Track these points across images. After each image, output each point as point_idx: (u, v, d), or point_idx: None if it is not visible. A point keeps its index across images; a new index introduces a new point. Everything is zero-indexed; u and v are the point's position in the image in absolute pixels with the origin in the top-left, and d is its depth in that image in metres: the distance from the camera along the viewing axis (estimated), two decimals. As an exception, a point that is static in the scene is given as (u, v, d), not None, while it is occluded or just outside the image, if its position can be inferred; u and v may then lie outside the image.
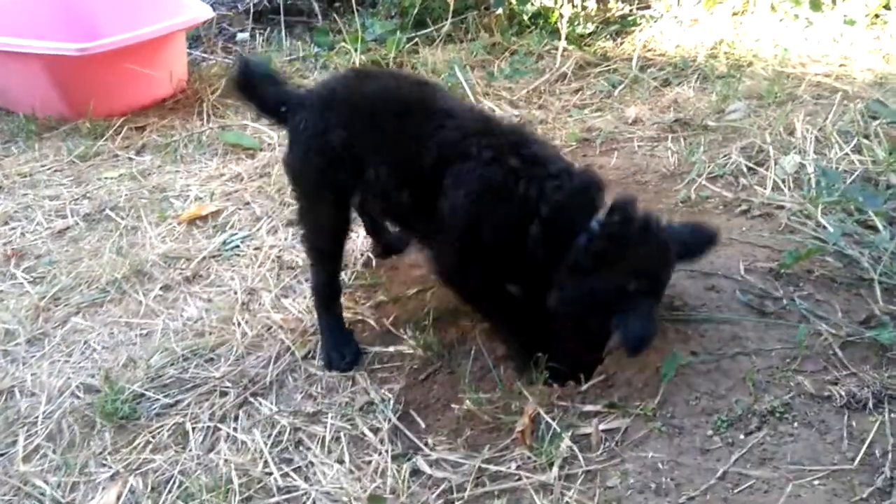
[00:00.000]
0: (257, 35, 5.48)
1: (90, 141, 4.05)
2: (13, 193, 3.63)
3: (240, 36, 5.54)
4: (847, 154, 3.29)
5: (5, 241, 3.25)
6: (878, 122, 3.51)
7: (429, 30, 5.24)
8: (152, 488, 2.12)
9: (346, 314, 2.73)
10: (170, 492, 2.10)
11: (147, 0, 4.73)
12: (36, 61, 4.09)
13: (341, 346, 2.57)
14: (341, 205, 2.55)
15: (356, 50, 4.85)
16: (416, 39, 5.16)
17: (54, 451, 2.26)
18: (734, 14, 5.05)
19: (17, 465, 2.22)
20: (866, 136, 3.40)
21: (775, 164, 3.30)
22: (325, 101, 2.48)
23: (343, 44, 5.06)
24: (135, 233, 3.28)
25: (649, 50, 4.84)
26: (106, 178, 3.71)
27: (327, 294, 2.64)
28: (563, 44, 4.81)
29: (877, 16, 4.79)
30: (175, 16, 4.42)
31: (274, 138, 4.00)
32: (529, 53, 4.87)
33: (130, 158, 3.92)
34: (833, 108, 3.69)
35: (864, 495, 1.89)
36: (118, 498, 2.08)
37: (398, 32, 5.14)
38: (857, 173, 3.16)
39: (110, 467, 2.19)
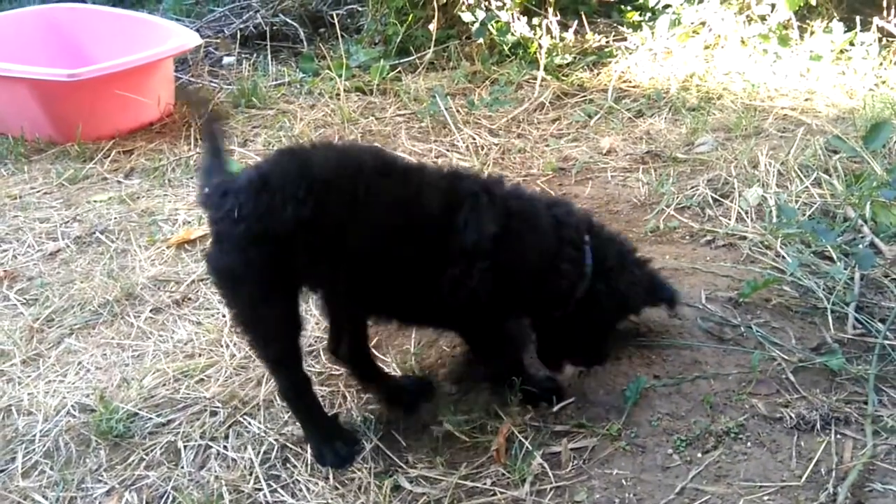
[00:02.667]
0: (243, 60, 5.63)
1: (79, 164, 4.18)
2: (4, 215, 3.75)
3: (226, 60, 5.69)
4: (807, 188, 3.50)
5: (-3, 264, 3.38)
6: (837, 156, 3.73)
7: (412, 58, 5.43)
8: (147, 503, 2.26)
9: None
10: (163, 506, 2.25)
11: (135, 26, 4.90)
12: (26, 85, 4.22)
13: (332, 440, 2.39)
14: (292, 303, 2.26)
15: (340, 76, 5.00)
16: (399, 67, 5.35)
17: (52, 468, 2.38)
18: (706, 47, 5.27)
19: (16, 480, 2.35)
20: (826, 171, 3.62)
21: (739, 196, 3.52)
22: (262, 181, 2.12)
23: (328, 70, 5.21)
24: (125, 256, 3.41)
25: (624, 81, 5.05)
26: (95, 201, 3.83)
27: (298, 394, 2.38)
28: (541, 74, 5.02)
29: (842, 51, 5.03)
30: (163, 42, 4.58)
31: (260, 163, 4.13)
32: (509, 83, 5.07)
33: (119, 182, 4.05)
34: (796, 142, 3.90)
35: (809, 509, 2.06)
36: (114, 512, 2.22)
37: (382, 60, 5.33)
38: (815, 206, 3.38)
39: (106, 483, 2.32)
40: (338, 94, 4.86)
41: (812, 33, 5.14)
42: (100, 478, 2.34)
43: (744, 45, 5.21)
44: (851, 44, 5.02)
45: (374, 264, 2.22)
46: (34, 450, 2.45)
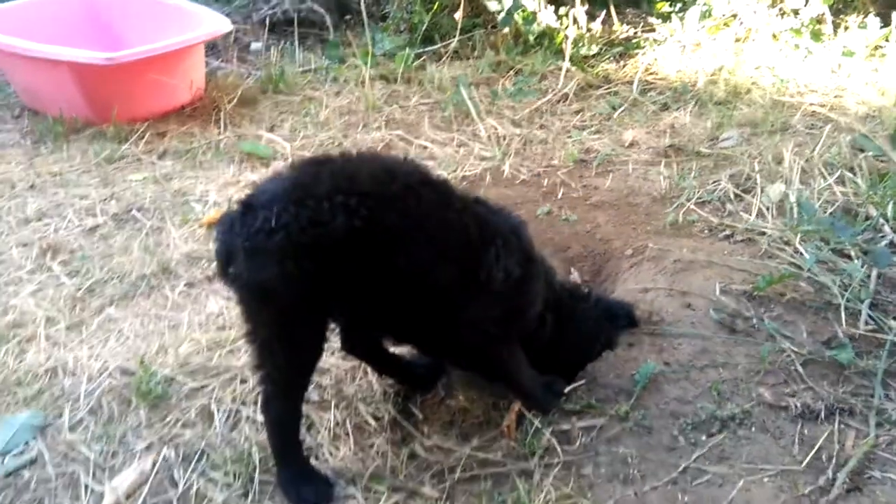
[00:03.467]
0: (271, 46, 5.88)
1: (115, 144, 4.43)
2: (45, 191, 4.01)
3: (254, 46, 5.93)
4: (830, 185, 3.65)
5: (40, 236, 3.63)
6: (863, 154, 3.88)
7: (436, 46, 5.63)
8: (183, 458, 2.50)
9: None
10: (198, 461, 2.48)
11: (169, 11, 5.15)
12: (65, 67, 4.46)
13: (308, 481, 2.39)
14: (322, 325, 2.27)
15: (366, 64, 5.21)
16: (424, 55, 5.56)
17: (96, 424, 2.64)
18: (737, 40, 5.43)
19: (64, 433, 2.60)
20: (851, 169, 3.77)
21: (761, 192, 3.67)
22: (302, 190, 2.07)
23: (353, 58, 5.45)
24: (159, 233, 3.66)
25: (651, 73, 5.24)
26: (131, 180, 4.09)
27: (290, 426, 2.38)
28: (566, 64, 5.20)
29: (877, 48, 5.16)
30: (196, 28, 4.82)
31: (287, 149, 4.40)
32: (533, 73, 5.26)
33: (153, 163, 4.30)
34: (822, 139, 4.06)
35: (806, 492, 2.26)
36: (153, 465, 2.46)
37: (407, 48, 5.54)
38: (838, 204, 3.52)
39: (146, 439, 2.57)
40: (363, 82, 5.06)
41: (846, 28, 5.29)
42: (140, 434, 2.59)
43: (775, 39, 5.37)
44: (886, 40, 5.16)
45: (414, 285, 2.22)
46: (79, 407, 2.70)
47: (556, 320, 2.66)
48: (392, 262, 2.13)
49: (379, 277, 2.16)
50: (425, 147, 4.45)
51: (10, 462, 2.53)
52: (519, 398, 2.62)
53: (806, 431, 2.46)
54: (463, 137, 4.51)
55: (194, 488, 2.40)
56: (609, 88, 5.08)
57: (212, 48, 5.78)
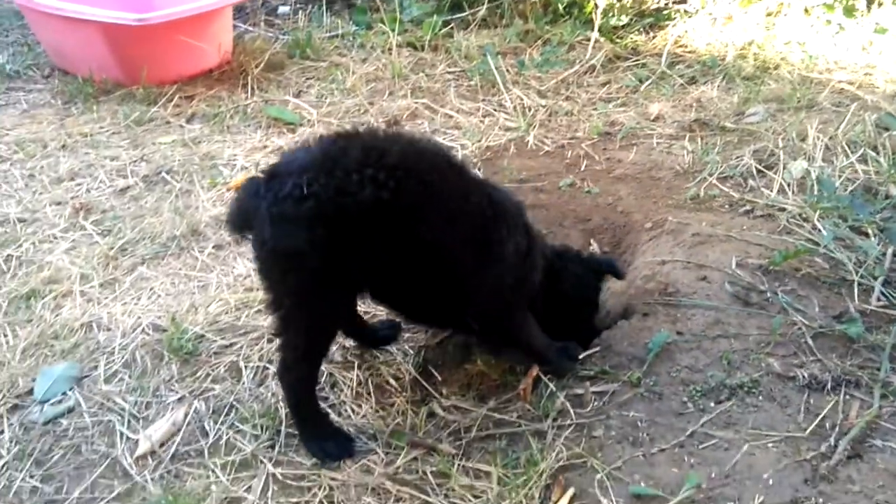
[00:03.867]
0: (299, 10, 5.97)
1: (144, 107, 4.61)
2: (76, 152, 4.20)
3: (281, 9, 6.05)
4: (852, 163, 3.73)
5: (73, 196, 3.83)
6: (887, 133, 3.95)
7: (464, 13, 5.70)
8: (213, 411, 2.69)
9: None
10: (227, 414, 2.67)
11: (198, -27, 5.27)
12: (95, 28, 4.61)
13: (330, 436, 2.56)
14: (347, 290, 2.43)
15: (393, 31, 5.30)
16: (452, 23, 5.63)
17: (130, 377, 2.83)
18: (768, 14, 5.46)
19: (100, 384, 2.80)
20: (874, 148, 3.85)
21: (784, 168, 3.76)
22: (332, 160, 2.18)
23: (380, 24, 5.52)
24: (188, 195, 3.83)
25: (680, 46, 5.30)
26: (160, 142, 4.26)
27: (308, 391, 2.54)
28: (595, 35, 5.28)
29: (911, 25, 5.20)
30: (225, -11, 4.94)
31: (313, 114, 4.54)
32: (561, 43, 5.34)
33: (181, 126, 4.47)
34: (847, 117, 4.13)
35: (808, 457, 2.38)
36: (185, 416, 2.66)
37: (434, 15, 5.62)
38: (859, 182, 3.61)
39: (178, 392, 2.76)
40: (389, 49, 5.19)
41: (880, 4, 5.28)
42: (172, 387, 2.78)
43: (807, 13, 5.39)
44: (921, 16, 5.16)
45: (433, 256, 2.35)
46: (114, 360, 2.90)
47: (548, 279, 2.82)
48: (415, 234, 2.26)
49: (401, 247, 2.28)
50: (450, 116, 4.57)
51: (49, 410, 2.74)
52: (535, 361, 2.78)
53: (812, 401, 2.58)
54: (488, 107, 4.63)
55: (224, 439, 2.60)
56: (637, 60, 5.16)
57: (239, 11, 5.92)
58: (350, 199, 2.13)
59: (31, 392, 2.82)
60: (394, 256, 2.29)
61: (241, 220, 2.30)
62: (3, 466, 2.57)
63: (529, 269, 2.68)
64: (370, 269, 2.31)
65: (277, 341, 2.50)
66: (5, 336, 3.03)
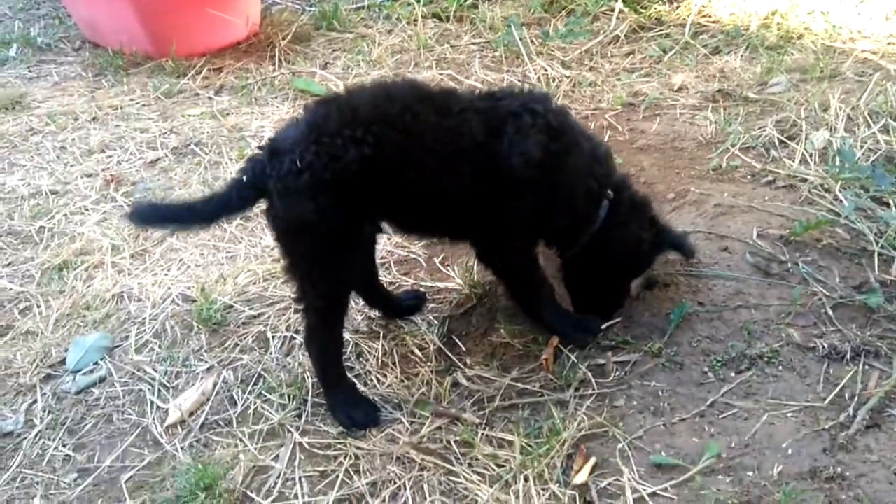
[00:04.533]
0: (325, -19, 5.93)
1: (173, 79, 4.62)
2: (107, 124, 4.22)
3: (309, -20, 6.01)
4: (874, 133, 3.64)
5: (104, 168, 3.86)
6: (910, 103, 3.87)
7: (490, -16, 5.60)
8: (241, 381, 2.72)
9: (402, 252, 3.27)
10: (255, 384, 2.70)
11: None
12: (126, 1, 4.62)
13: (357, 405, 2.58)
14: (358, 243, 2.49)
15: (418, 2, 5.27)
16: (477, -6, 5.54)
17: (160, 347, 2.87)
18: (793, -18, 5.36)
19: (130, 354, 2.84)
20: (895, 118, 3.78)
21: (806, 138, 3.68)
22: (315, 130, 2.30)
23: (407, -5, 5.47)
24: (217, 167, 3.84)
25: (704, 16, 5.17)
26: (189, 115, 4.28)
27: (335, 354, 2.59)
28: (619, 5, 5.18)
29: (935, -7, 5.07)
30: (253, -38, 4.93)
31: (339, 86, 4.50)
32: (586, 13, 5.24)
33: (210, 98, 4.48)
34: (870, 86, 4.03)
35: (827, 427, 2.37)
36: (214, 386, 2.69)
37: (460, -14, 5.52)
38: (880, 152, 3.52)
39: (207, 362, 2.79)
40: (415, 21, 5.16)
41: (904, -26, 5.19)
42: (201, 357, 2.81)
43: (831, -18, 5.29)
44: (945, -15, 5.05)
45: (430, 191, 2.41)
46: (145, 330, 2.93)
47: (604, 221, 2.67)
48: (405, 179, 2.36)
49: (400, 194, 2.39)
50: (475, 87, 4.50)
51: (81, 380, 2.77)
52: (534, 319, 2.78)
53: (831, 371, 2.56)
54: (513, 78, 4.58)
55: (252, 408, 2.62)
56: (661, 31, 5.06)
57: (267, -18, 5.87)
58: (339, 164, 2.26)
59: (63, 362, 2.86)
60: (397, 201, 2.42)
61: (257, 195, 2.38)
62: (36, 435, 2.61)
63: (557, 180, 2.50)
64: (380, 214, 2.48)
65: (300, 309, 2.54)
66: (38, 307, 3.07)
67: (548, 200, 2.50)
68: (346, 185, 2.28)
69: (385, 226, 2.59)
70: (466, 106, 2.46)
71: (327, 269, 2.41)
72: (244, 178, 2.36)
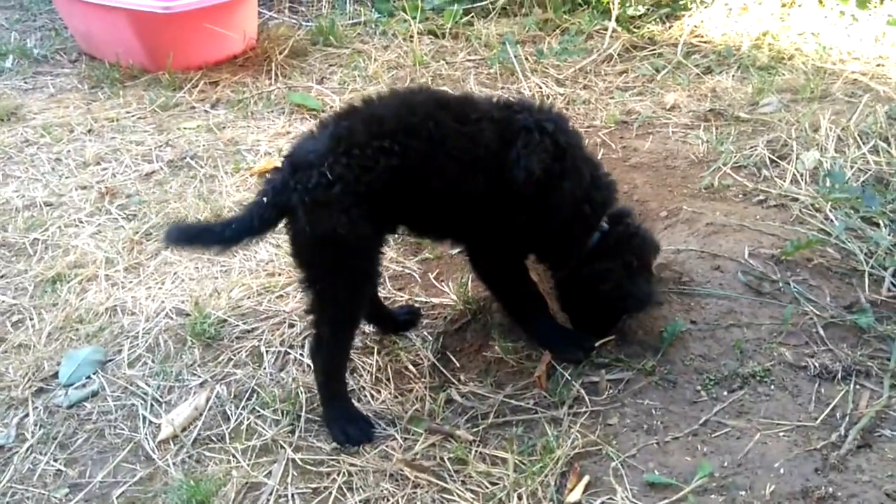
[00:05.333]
0: (322, -3, 5.94)
1: (170, 92, 4.59)
2: (102, 136, 4.19)
3: (305, -5, 6.02)
4: (864, 154, 3.66)
5: (98, 180, 3.82)
6: (899, 124, 3.87)
7: (485, 2, 5.66)
8: (234, 396, 2.68)
9: (396, 267, 3.26)
10: (248, 399, 2.66)
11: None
12: (123, 15, 4.61)
13: (353, 420, 2.55)
14: (379, 251, 2.49)
15: (414, 19, 5.27)
16: (472, 11, 5.59)
17: (153, 361, 2.83)
18: (783, 5, 5.38)
19: (123, 369, 2.80)
20: (885, 139, 3.77)
21: (797, 158, 3.69)
22: (342, 142, 2.30)
23: (402, 12, 5.48)
24: (212, 181, 3.82)
25: (696, 36, 5.23)
26: (185, 128, 4.25)
27: (340, 367, 2.57)
28: (612, 24, 5.22)
29: (924, 17, 5.10)
30: (250, -22, 4.92)
31: (336, 102, 4.50)
32: (580, 32, 5.29)
33: (206, 111, 4.46)
34: (860, 107, 4.05)
35: (819, 446, 2.36)
36: (207, 401, 2.65)
37: (455, 3, 5.57)
38: (870, 173, 3.54)
39: (200, 377, 2.76)
40: (411, 37, 5.16)
41: (895, -4, 5.22)
42: (194, 372, 2.78)
43: (821, 5, 5.30)
44: (934, 8, 5.08)
45: (450, 196, 2.43)
46: (138, 344, 2.89)
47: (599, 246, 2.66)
48: (428, 186, 2.38)
49: (423, 200, 2.41)
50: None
51: (73, 394, 2.74)
52: (528, 336, 2.77)
53: (822, 390, 2.55)
54: (507, 95, 4.57)
55: (245, 424, 2.59)
56: (654, 50, 5.10)
57: (264, -3, 5.88)
58: (372, 174, 2.27)
59: (55, 375, 2.83)
60: (415, 206, 2.44)
61: (277, 214, 2.35)
62: (27, 449, 2.57)
63: (552, 201, 2.50)
64: (405, 225, 2.55)
65: (311, 318, 2.52)
66: (31, 320, 3.04)
67: (539, 217, 2.51)
68: (375, 195, 2.30)
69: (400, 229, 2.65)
70: (483, 115, 2.47)
71: (350, 281, 2.41)
72: (264, 199, 2.33)
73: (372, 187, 2.28)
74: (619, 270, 2.65)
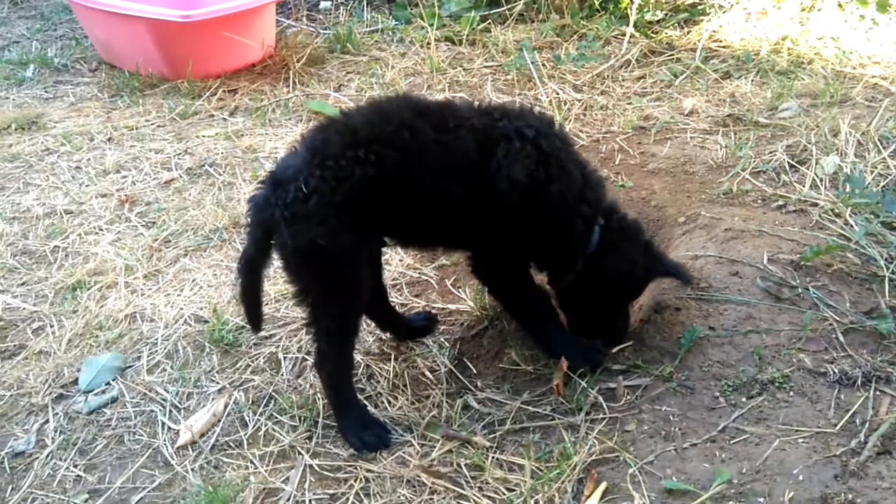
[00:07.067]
0: (339, 5, 6.00)
1: (189, 100, 4.65)
2: (122, 144, 4.24)
3: (323, 5, 6.07)
4: (884, 159, 3.64)
5: (118, 188, 3.87)
6: (920, 129, 3.85)
7: (502, 9, 5.68)
8: (252, 402, 2.71)
9: (413, 274, 3.27)
10: (266, 405, 2.69)
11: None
12: (143, 24, 4.67)
13: (368, 426, 2.55)
14: (368, 260, 2.50)
15: (431, 26, 5.31)
16: (489, 18, 5.61)
17: (172, 367, 2.86)
18: (802, 10, 5.35)
19: (142, 375, 2.83)
20: (906, 143, 3.76)
21: (816, 163, 3.68)
22: (317, 155, 2.33)
23: (419, 19, 5.53)
24: (231, 188, 3.85)
25: (715, 41, 5.21)
26: (204, 136, 4.30)
27: (346, 377, 2.59)
28: (630, 30, 5.22)
29: (944, 20, 5.07)
30: (269, -15, 4.96)
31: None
32: (597, 38, 5.29)
33: (224, 119, 4.50)
34: (880, 112, 4.04)
35: (838, 453, 2.34)
36: (225, 407, 2.68)
37: (472, 10, 5.60)
38: (890, 177, 3.52)
39: (218, 383, 2.78)
40: (428, 44, 5.19)
41: (914, 0, 5.19)
42: (213, 378, 2.81)
43: (841, 9, 5.28)
44: (955, 11, 5.05)
45: (430, 206, 2.42)
46: (157, 351, 2.93)
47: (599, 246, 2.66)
48: (406, 195, 2.38)
49: (403, 210, 2.41)
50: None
51: (93, 400, 2.77)
52: (536, 342, 2.77)
53: (842, 397, 2.53)
54: (525, 101, 4.58)
55: (263, 430, 2.61)
56: (672, 55, 5.09)
57: (282, 7, 5.95)
58: (347, 185, 2.29)
59: (75, 382, 2.86)
60: (396, 216, 2.43)
61: (267, 230, 2.38)
62: (47, 455, 2.60)
63: (541, 210, 2.48)
64: (387, 233, 2.53)
65: (310, 333, 2.55)
66: (51, 327, 3.08)
67: (531, 224, 2.50)
68: (353, 205, 2.31)
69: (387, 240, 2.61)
70: (461, 122, 2.44)
71: (339, 292, 2.43)
72: (248, 219, 2.39)
73: (349, 197, 2.30)
74: (639, 255, 2.69)
